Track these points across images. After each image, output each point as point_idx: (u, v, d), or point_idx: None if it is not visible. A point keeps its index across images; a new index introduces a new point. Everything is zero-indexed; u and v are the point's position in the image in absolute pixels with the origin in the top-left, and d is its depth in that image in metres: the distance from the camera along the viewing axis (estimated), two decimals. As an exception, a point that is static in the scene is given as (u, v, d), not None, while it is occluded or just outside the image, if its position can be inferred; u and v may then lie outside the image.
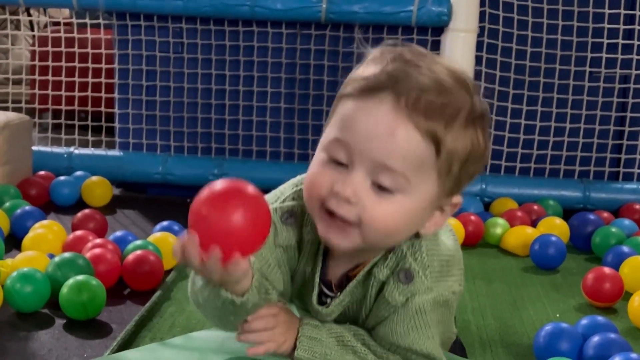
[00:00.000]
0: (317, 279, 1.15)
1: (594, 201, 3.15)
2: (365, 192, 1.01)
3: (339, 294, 1.15)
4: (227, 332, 1.18)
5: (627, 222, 2.86)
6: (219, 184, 0.98)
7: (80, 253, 2.05)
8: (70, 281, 1.84)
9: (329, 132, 1.04)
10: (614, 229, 2.67)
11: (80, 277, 1.85)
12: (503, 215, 2.89)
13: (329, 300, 1.17)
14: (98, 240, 2.18)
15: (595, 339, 1.66)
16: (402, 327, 1.11)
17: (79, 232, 2.28)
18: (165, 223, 2.47)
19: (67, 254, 2.00)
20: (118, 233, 2.33)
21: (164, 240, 2.25)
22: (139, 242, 2.20)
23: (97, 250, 2.07)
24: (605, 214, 2.96)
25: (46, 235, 2.23)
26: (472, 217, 2.77)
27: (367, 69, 1.04)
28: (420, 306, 1.09)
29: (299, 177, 1.17)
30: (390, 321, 1.13)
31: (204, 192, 0.98)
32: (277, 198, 1.16)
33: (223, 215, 0.94)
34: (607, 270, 2.16)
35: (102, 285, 1.87)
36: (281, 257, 1.13)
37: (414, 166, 0.99)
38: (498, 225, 2.75)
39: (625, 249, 2.40)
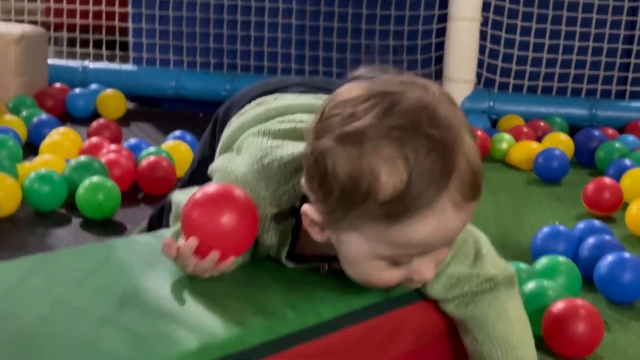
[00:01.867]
0: (284, 254, 1.07)
1: (601, 119, 3.19)
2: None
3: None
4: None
5: (631, 138, 2.90)
6: (209, 190, 1.00)
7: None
8: (87, 182, 1.91)
9: (379, 248, 0.92)
10: (617, 145, 2.72)
11: (96, 178, 1.92)
12: (509, 131, 2.94)
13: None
14: (113, 147, 2.24)
15: (591, 240, 1.73)
16: None
17: (94, 139, 2.35)
18: (177, 133, 2.53)
19: (83, 158, 2.07)
20: (132, 140, 2.40)
21: (176, 149, 2.32)
22: (152, 149, 2.27)
23: (112, 156, 2.13)
24: (610, 131, 3.00)
25: (63, 142, 2.30)
26: (479, 132, 2.82)
27: (381, 185, 0.87)
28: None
29: (279, 166, 1.02)
30: None
31: (197, 199, 0.99)
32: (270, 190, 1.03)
33: (219, 220, 0.97)
34: (607, 180, 2.22)
35: (117, 187, 1.94)
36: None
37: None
38: (504, 141, 2.80)
39: (628, 162, 2.45)
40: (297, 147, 1.02)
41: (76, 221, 1.92)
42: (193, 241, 0.97)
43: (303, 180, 0.96)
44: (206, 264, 0.98)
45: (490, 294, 1.07)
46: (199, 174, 1.34)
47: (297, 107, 1.19)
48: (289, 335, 0.96)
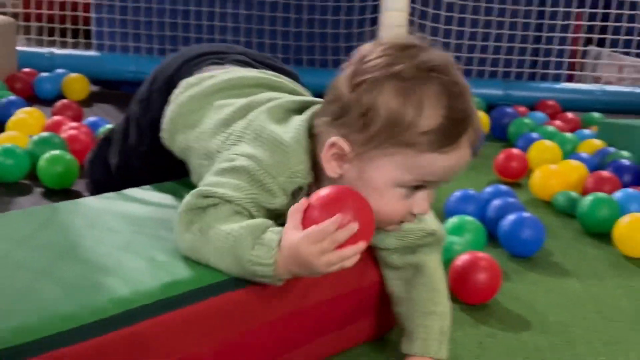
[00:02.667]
0: None
1: (514, 98, 3.22)
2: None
3: None
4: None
5: (539, 114, 2.95)
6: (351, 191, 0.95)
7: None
8: (47, 155, 1.89)
9: (403, 174, 0.95)
10: (527, 120, 2.75)
11: (56, 152, 1.91)
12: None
13: None
14: (74, 124, 2.22)
15: (496, 202, 1.76)
16: None
17: (57, 117, 2.32)
18: (132, 111, 2.50)
19: (45, 133, 2.05)
20: (92, 119, 2.37)
21: (132, 125, 2.30)
22: (109, 126, 2.24)
23: (73, 132, 2.11)
24: (522, 108, 3.04)
25: (27, 120, 2.27)
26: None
27: (422, 115, 0.93)
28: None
29: (292, 147, 1.02)
30: None
31: (351, 196, 0.94)
32: (285, 173, 1.02)
33: (366, 210, 0.94)
34: (515, 151, 2.26)
35: (76, 160, 1.92)
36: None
37: None
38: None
39: (535, 135, 2.49)
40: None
41: (38, 191, 1.90)
42: (354, 225, 0.91)
43: (322, 121, 1.00)
44: (353, 252, 0.92)
45: (429, 247, 1.12)
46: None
47: (253, 80, 1.22)
48: (214, 284, 0.97)
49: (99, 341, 0.85)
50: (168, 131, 1.22)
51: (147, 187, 1.27)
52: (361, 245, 0.92)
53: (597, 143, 2.45)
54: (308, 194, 0.97)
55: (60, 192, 1.87)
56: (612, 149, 2.33)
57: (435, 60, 0.96)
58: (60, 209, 1.15)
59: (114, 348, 0.87)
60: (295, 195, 1.02)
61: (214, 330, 0.97)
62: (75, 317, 0.85)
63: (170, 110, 1.23)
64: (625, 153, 2.26)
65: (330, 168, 0.99)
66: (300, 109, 1.10)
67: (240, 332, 0.99)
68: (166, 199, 1.21)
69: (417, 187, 0.97)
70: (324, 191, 0.94)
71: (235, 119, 1.10)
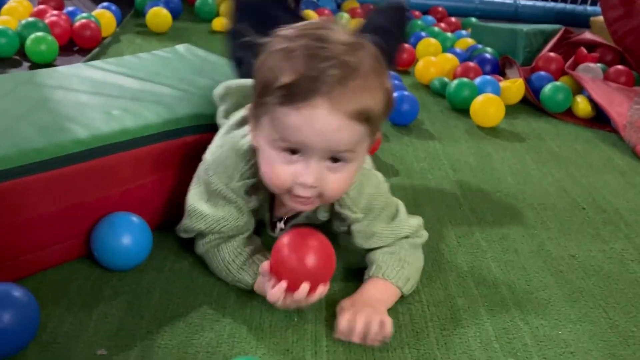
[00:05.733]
0: (267, 218, 1.00)
1: (412, 4, 3.23)
2: (323, 174, 0.83)
3: (287, 225, 1.01)
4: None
5: (429, 18, 2.97)
6: (294, 237, 0.85)
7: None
8: (33, 36, 1.88)
9: (273, 132, 0.82)
10: (419, 22, 2.78)
11: (40, 34, 1.89)
12: (348, 11, 2.96)
13: (278, 228, 1.01)
14: (55, 12, 2.17)
15: (384, 83, 1.80)
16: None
17: (42, 6, 2.27)
18: (105, 4, 2.46)
19: (31, 19, 2.01)
20: (70, 8, 2.32)
21: (102, 15, 2.27)
22: (84, 14, 2.21)
23: (54, 18, 2.08)
24: (417, 13, 3.06)
25: (17, 7, 2.21)
26: (326, 11, 2.83)
27: (282, 73, 0.79)
28: (363, 229, 0.98)
29: (242, 149, 0.92)
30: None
31: (285, 246, 0.84)
32: (235, 176, 0.93)
33: (308, 262, 0.83)
34: (407, 46, 2.29)
35: (56, 41, 1.91)
36: (249, 213, 0.96)
37: (357, 142, 0.82)
38: (343, 17, 2.81)
39: (423, 34, 2.52)
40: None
41: (26, 65, 1.89)
42: (305, 286, 0.83)
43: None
44: (317, 299, 0.85)
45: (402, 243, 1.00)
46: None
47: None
48: (154, 134, 1.01)
49: (62, 171, 0.89)
50: None
51: (110, 59, 1.29)
52: (321, 289, 0.85)
53: (470, 41, 2.50)
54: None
55: (44, 66, 1.86)
56: (479, 46, 2.39)
57: (319, 31, 0.81)
58: (37, 74, 1.16)
59: (74, 178, 0.91)
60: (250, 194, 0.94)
61: (156, 166, 1.01)
62: (45, 151, 0.88)
63: None
64: (489, 49, 2.33)
65: (253, 138, 0.88)
66: None
67: (170, 169, 1.05)
68: (123, 70, 1.23)
69: (294, 152, 0.83)
70: (291, 241, 0.84)
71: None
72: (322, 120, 0.78)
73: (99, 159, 0.94)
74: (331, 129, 0.79)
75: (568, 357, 0.88)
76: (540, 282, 1.05)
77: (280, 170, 0.84)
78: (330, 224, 1.00)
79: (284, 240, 0.84)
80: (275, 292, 0.84)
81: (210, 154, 0.95)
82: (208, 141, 0.97)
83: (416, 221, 1.02)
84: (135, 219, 0.96)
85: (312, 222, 1.01)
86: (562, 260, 1.12)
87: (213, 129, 1.03)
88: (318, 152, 0.81)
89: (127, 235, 0.94)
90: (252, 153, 0.91)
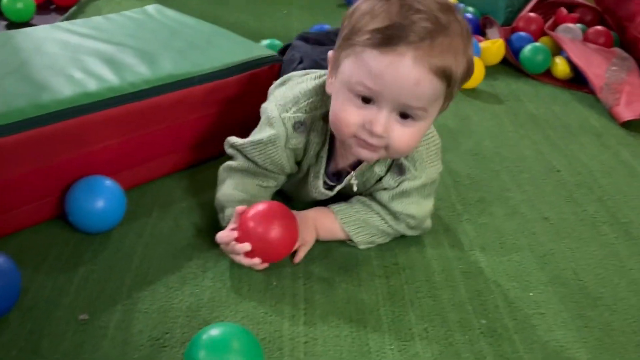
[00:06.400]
0: (322, 170, 1.00)
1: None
2: (392, 126, 0.85)
3: (341, 181, 1.01)
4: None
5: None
6: (282, 211, 0.90)
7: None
8: (9, -7, 1.85)
9: (354, 74, 0.84)
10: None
11: (17, -9, 1.86)
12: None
13: (321, 187, 1.02)
14: (31, -31, 2.13)
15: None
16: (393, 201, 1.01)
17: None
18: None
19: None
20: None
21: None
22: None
23: (30, -24, 2.03)
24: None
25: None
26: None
27: (375, 17, 0.82)
28: (407, 189, 0.99)
29: (311, 87, 0.97)
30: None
31: (268, 210, 0.89)
32: (291, 107, 0.96)
33: (269, 234, 0.88)
34: None
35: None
36: (289, 154, 0.98)
37: (432, 100, 0.84)
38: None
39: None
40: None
41: (2, 24, 1.86)
42: (247, 246, 0.89)
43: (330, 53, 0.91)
44: (248, 263, 0.91)
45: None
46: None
47: None
48: (120, 96, 1.00)
49: (39, 131, 0.91)
50: None
51: (78, 21, 1.27)
52: (256, 260, 0.90)
53: (453, 0, 2.49)
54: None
55: (21, 26, 1.83)
56: (462, 5, 2.38)
57: None
58: (14, 36, 1.15)
59: (48, 139, 0.92)
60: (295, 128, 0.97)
61: (120, 128, 1.02)
62: (25, 111, 0.90)
63: None
64: (470, 8, 2.32)
65: (328, 84, 0.92)
66: None
67: (140, 132, 1.05)
68: (92, 32, 1.21)
69: (368, 102, 0.85)
70: (259, 207, 0.90)
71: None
72: (405, 70, 0.80)
73: (68, 121, 0.94)
74: (411, 80, 0.81)
75: (538, 318, 0.91)
76: (513, 244, 1.07)
77: (350, 113, 0.86)
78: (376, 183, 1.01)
79: (275, 206, 0.89)
80: (225, 235, 0.90)
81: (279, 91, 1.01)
82: (180, 101, 0.99)
83: (429, 222, 1.05)
84: (107, 181, 0.97)
85: (358, 189, 1.01)
86: (536, 223, 1.15)
87: (184, 85, 1.06)
88: (392, 103, 0.83)
89: (100, 199, 0.94)
90: (313, 93, 0.96)
